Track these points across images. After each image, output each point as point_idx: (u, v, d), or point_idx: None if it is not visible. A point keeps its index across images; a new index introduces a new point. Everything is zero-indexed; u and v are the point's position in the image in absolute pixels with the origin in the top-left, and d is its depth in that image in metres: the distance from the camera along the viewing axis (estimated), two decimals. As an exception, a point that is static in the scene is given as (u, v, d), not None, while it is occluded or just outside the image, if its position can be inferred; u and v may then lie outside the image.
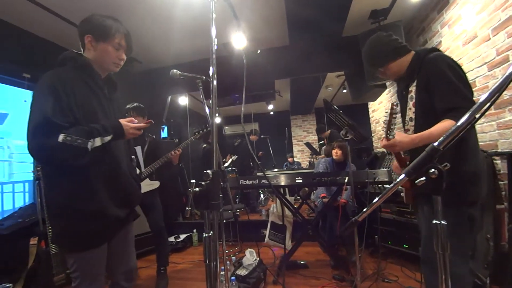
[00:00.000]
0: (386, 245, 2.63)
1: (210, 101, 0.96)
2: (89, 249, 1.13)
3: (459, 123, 0.62)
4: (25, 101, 2.93)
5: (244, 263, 2.30)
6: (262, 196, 5.58)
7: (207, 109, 1.39)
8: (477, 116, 0.62)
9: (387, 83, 3.70)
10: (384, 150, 3.70)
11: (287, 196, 3.24)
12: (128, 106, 2.36)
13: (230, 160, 4.69)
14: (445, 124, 1.08)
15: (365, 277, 2.26)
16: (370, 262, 2.64)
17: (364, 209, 0.80)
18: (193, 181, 0.92)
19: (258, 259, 2.38)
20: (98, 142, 1.07)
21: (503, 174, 1.92)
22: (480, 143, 1.27)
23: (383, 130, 1.14)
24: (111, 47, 1.19)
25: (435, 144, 0.64)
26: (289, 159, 6.49)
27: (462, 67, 1.22)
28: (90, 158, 1.06)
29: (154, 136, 2.61)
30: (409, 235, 2.44)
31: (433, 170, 0.63)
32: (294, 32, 3.31)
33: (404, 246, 2.48)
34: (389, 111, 1.10)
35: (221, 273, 1.80)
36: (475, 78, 2.22)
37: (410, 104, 1.30)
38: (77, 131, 1.03)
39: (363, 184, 2.29)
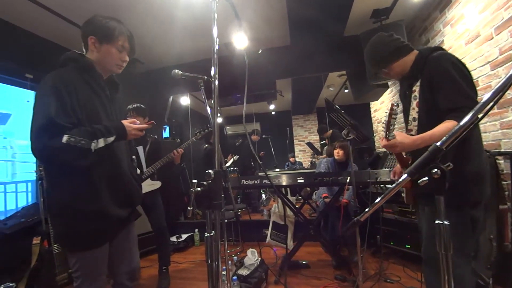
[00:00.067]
0: (388, 245, 2.62)
1: (212, 101, 0.96)
2: (90, 249, 1.14)
3: (462, 123, 0.62)
4: (28, 101, 2.94)
5: (246, 263, 2.31)
6: (263, 196, 5.58)
7: (208, 109, 1.39)
8: (480, 115, 0.62)
9: (389, 83, 3.69)
10: (386, 150, 3.69)
11: (289, 196, 3.24)
12: (129, 106, 2.37)
13: (232, 160, 4.70)
14: (447, 125, 1.06)
15: (367, 277, 2.26)
16: (372, 262, 2.63)
17: (366, 209, 0.80)
18: (194, 181, 0.92)
19: (259, 259, 2.38)
20: (101, 143, 1.08)
21: (506, 174, 1.91)
22: (483, 143, 1.26)
23: (382, 131, 1.13)
24: (114, 49, 1.20)
25: (438, 144, 0.63)
26: (291, 159, 6.49)
27: (465, 66, 1.21)
28: (92, 159, 1.06)
29: (155, 136, 2.62)
30: (411, 235, 2.43)
31: (435, 170, 0.63)
32: (296, 32, 3.30)
33: (406, 246, 2.47)
34: (388, 111, 1.09)
35: (223, 273, 1.80)
36: (478, 77, 2.21)
37: (414, 104, 1.28)
38: (80, 132, 1.03)
39: (365, 184, 2.29)
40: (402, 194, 1.39)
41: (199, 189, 0.89)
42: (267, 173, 2.19)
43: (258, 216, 4.43)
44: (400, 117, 1.14)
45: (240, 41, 3.19)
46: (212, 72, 0.98)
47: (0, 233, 2.29)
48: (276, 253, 2.92)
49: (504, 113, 1.97)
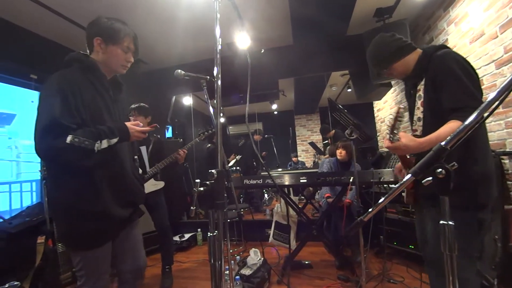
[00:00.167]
0: (392, 245, 2.61)
1: (214, 101, 0.96)
2: (93, 248, 1.15)
3: (466, 122, 0.61)
4: (32, 101, 2.98)
5: (249, 263, 2.31)
6: (266, 195, 5.58)
7: (211, 109, 1.39)
8: (485, 115, 0.61)
9: (393, 82, 3.67)
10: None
11: (291, 196, 3.24)
12: (131, 106, 2.38)
13: (234, 160, 4.70)
14: (452, 125, 1.04)
15: (370, 278, 2.25)
16: (375, 262, 2.62)
17: (370, 209, 0.79)
18: (197, 180, 0.92)
19: (262, 258, 2.38)
20: (104, 144, 1.09)
21: (511, 174, 1.89)
22: (489, 143, 1.24)
23: (386, 133, 1.11)
24: (120, 50, 1.22)
25: (442, 143, 0.63)
26: (294, 159, 6.48)
27: (469, 65, 1.19)
28: (96, 160, 1.07)
29: (158, 136, 2.63)
30: (414, 236, 2.39)
31: (440, 170, 0.62)
32: (298, 32, 3.30)
33: (410, 246, 2.46)
34: (394, 114, 1.06)
35: (226, 272, 1.80)
36: (483, 76, 2.18)
37: (418, 103, 1.27)
38: (84, 132, 1.04)
39: (368, 184, 2.28)
40: (403, 193, 1.38)
41: (202, 188, 0.89)
42: (270, 173, 2.18)
43: (261, 216, 4.43)
44: (403, 121, 1.12)
45: (243, 41, 3.19)
46: (215, 72, 0.98)
47: (5, 232, 2.31)
48: (278, 252, 2.92)
49: (509, 112, 1.95)
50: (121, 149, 1.24)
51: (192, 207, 1.08)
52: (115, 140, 1.12)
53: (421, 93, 1.25)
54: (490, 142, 2.09)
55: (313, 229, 2.44)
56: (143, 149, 2.38)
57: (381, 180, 2.16)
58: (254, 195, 5.01)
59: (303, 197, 4.73)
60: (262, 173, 3.13)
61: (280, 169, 5.64)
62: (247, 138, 5.30)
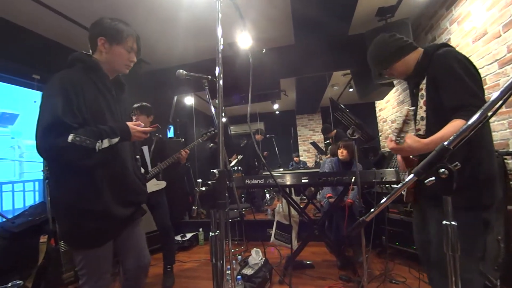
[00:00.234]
0: (394, 245, 2.60)
1: (216, 101, 0.96)
2: (94, 247, 1.16)
3: (470, 122, 0.61)
4: (35, 101, 2.98)
5: (250, 263, 2.31)
6: (267, 195, 5.58)
7: (213, 109, 1.39)
8: (488, 114, 0.60)
9: (395, 82, 3.65)
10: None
11: (293, 196, 3.23)
12: (134, 105, 2.39)
13: (236, 160, 4.71)
14: (456, 125, 1.03)
15: (372, 278, 2.24)
16: (377, 263, 2.61)
17: (372, 210, 0.79)
18: (199, 180, 0.92)
19: (264, 258, 2.38)
20: (105, 143, 1.09)
21: (515, 174, 1.88)
22: (493, 143, 1.23)
23: (393, 134, 1.08)
24: (124, 50, 1.23)
25: (445, 143, 0.62)
26: (295, 159, 6.47)
27: (471, 64, 1.18)
28: (97, 159, 1.08)
29: (160, 136, 2.64)
30: (417, 236, 2.40)
31: (443, 170, 0.62)
32: (300, 31, 3.29)
33: (412, 247, 2.44)
34: (403, 116, 1.03)
35: (227, 272, 1.80)
36: (486, 76, 2.17)
37: (421, 102, 1.26)
38: (86, 132, 1.05)
39: (370, 184, 2.27)
40: (403, 192, 1.37)
41: (203, 188, 0.90)
42: (272, 172, 2.18)
43: (262, 216, 4.43)
44: (411, 124, 1.10)
45: (244, 40, 3.19)
46: (217, 72, 0.98)
47: (8, 232, 2.33)
48: (280, 252, 2.92)
49: (513, 112, 1.94)
50: (122, 148, 1.24)
51: (193, 207, 1.08)
52: (116, 140, 1.13)
53: (423, 92, 1.25)
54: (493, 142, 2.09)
55: (314, 229, 2.43)
56: (145, 149, 2.39)
57: (383, 180, 2.15)
58: (256, 194, 5.02)
59: (304, 197, 4.72)
60: (263, 173, 3.13)
61: (281, 169, 5.64)
62: (249, 139, 5.30)
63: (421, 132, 1.26)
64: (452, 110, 1.08)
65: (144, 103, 2.42)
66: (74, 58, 1.21)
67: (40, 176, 2.61)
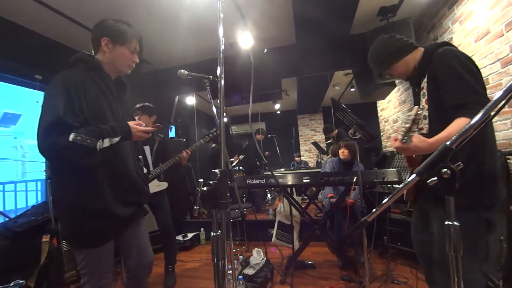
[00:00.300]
0: (395, 246, 2.59)
1: (217, 101, 0.96)
2: (95, 246, 1.16)
3: (473, 122, 0.60)
4: (37, 102, 3.00)
5: (251, 263, 2.31)
6: (269, 195, 5.58)
7: (214, 109, 1.39)
8: (491, 113, 0.60)
9: (397, 81, 3.64)
10: (393, 150, 3.65)
11: (294, 196, 3.23)
12: (136, 105, 2.39)
13: (237, 160, 4.71)
14: (460, 123, 1.02)
15: (374, 278, 2.24)
16: (379, 263, 2.61)
17: (374, 210, 0.79)
18: (201, 180, 0.92)
19: (265, 258, 2.38)
20: (106, 143, 1.10)
21: (517, 174, 1.86)
22: (496, 142, 1.23)
23: (400, 134, 1.06)
24: (127, 51, 1.25)
25: (448, 143, 0.62)
26: (297, 159, 6.47)
27: (474, 64, 1.18)
28: (97, 158, 1.08)
29: (162, 135, 2.64)
30: (419, 236, 2.39)
31: (445, 170, 0.62)
32: (301, 31, 3.28)
33: (414, 247, 2.43)
34: (412, 116, 1.01)
35: (229, 272, 1.80)
36: (488, 75, 2.16)
37: (423, 101, 1.26)
38: (87, 131, 1.05)
39: (372, 184, 2.26)
40: None
41: (205, 188, 0.90)
42: (273, 172, 2.18)
43: (264, 216, 4.43)
44: (419, 124, 1.09)
45: (246, 40, 3.19)
46: (218, 72, 0.98)
47: (11, 231, 2.34)
48: (281, 252, 2.91)
49: (516, 111, 1.93)
50: (123, 148, 1.25)
51: (195, 207, 1.08)
52: (116, 139, 1.13)
53: (425, 90, 1.25)
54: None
55: (316, 229, 2.43)
56: (147, 148, 2.39)
57: (385, 180, 2.15)
58: (256, 194, 5.02)
59: (306, 197, 4.71)
60: (265, 173, 3.13)
61: (283, 169, 5.63)
62: (251, 139, 5.30)
63: (424, 131, 1.25)
64: (455, 108, 1.07)
65: (146, 103, 2.42)
66: (76, 58, 1.22)
67: (43, 176, 2.61)
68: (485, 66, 2.18)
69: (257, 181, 2.43)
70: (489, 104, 0.59)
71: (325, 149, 6.30)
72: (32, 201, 6.17)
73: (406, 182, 0.70)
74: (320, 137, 7.38)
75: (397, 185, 2.27)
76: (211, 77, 1.50)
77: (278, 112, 7.41)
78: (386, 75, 1.39)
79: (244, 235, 3.43)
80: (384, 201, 0.76)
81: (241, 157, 4.86)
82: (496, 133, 2.07)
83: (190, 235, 3.57)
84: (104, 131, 1.10)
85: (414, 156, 1.29)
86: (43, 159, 2.59)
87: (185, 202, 4.29)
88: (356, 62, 3.65)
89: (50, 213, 2.45)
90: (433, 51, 1.21)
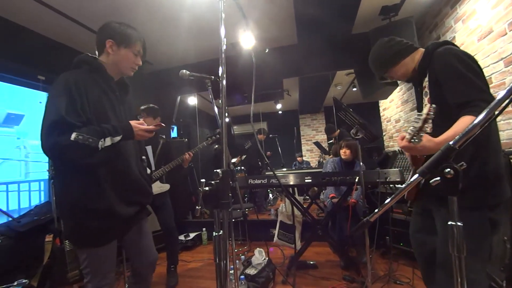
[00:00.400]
0: (398, 246, 2.58)
1: (219, 101, 0.96)
2: (98, 246, 1.17)
3: (476, 121, 0.60)
4: (40, 102, 3.01)
5: (253, 263, 2.31)
6: (271, 195, 5.57)
7: (216, 109, 1.40)
8: (495, 113, 0.60)
9: (399, 81, 3.62)
10: (396, 149, 3.63)
11: (296, 196, 3.23)
12: (141, 107, 2.40)
13: (240, 161, 4.71)
14: (466, 121, 1.01)
15: (376, 279, 2.23)
16: (381, 263, 2.60)
17: (376, 210, 0.79)
18: (203, 180, 0.92)
19: (267, 258, 2.38)
20: (108, 142, 1.11)
21: (521, 173, 1.85)
22: (500, 142, 1.22)
23: (410, 133, 1.00)
24: (131, 53, 1.27)
25: (451, 142, 0.62)
26: (298, 159, 6.47)
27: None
28: (99, 158, 1.09)
29: (164, 136, 2.65)
30: (421, 236, 2.38)
31: (448, 169, 0.61)
32: (303, 31, 3.28)
33: (417, 247, 2.42)
34: (424, 115, 0.95)
35: (231, 272, 1.80)
36: (491, 74, 2.15)
37: (425, 100, 1.25)
38: (89, 130, 1.07)
39: (374, 184, 2.26)
40: None
41: (207, 188, 0.90)
42: (275, 172, 2.18)
43: (266, 216, 4.42)
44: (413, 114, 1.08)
45: (247, 40, 3.19)
46: (220, 72, 0.98)
47: (14, 231, 2.36)
48: (283, 252, 2.91)
49: (519, 111, 1.92)
50: (125, 147, 1.25)
51: (197, 207, 1.08)
52: (118, 138, 1.14)
53: (426, 89, 1.24)
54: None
55: (318, 229, 2.42)
56: (149, 149, 2.40)
57: (387, 180, 2.14)
58: (258, 194, 5.01)
59: (308, 197, 4.71)
60: (267, 173, 3.13)
61: (284, 169, 5.63)
62: (253, 140, 5.30)
63: (428, 130, 1.24)
64: (459, 107, 1.06)
65: (151, 105, 2.43)
66: (79, 60, 1.24)
67: (46, 176, 2.64)
68: (488, 65, 2.17)
69: (259, 181, 2.43)
70: (493, 103, 0.59)
71: (327, 149, 6.29)
72: (35, 201, 6.22)
73: (408, 182, 0.70)
74: (322, 137, 7.38)
75: (399, 185, 2.26)
76: (213, 77, 1.50)
77: (280, 112, 7.41)
78: (387, 78, 1.39)
79: (246, 235, 3.43)
80: (387, 201, 0.75)
81: (243, 157, 4.86)
82: (499, 133, 2.06)
83: (192, 235, 3.57)
84: (106, 130, 1.11)
85: (418, 156, 1.28)
86: (46, 159, 2.60)
87: (187, 202, 4.30)
88: (358, 62, 3.64)
89: (53, 213, 2.46)
90: (433, 50, 1.21)
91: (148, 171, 2.17)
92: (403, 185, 0.72)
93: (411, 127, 0.98)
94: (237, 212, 3.13)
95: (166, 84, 4.28)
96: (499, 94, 0.58)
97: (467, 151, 1.01)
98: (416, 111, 1.36)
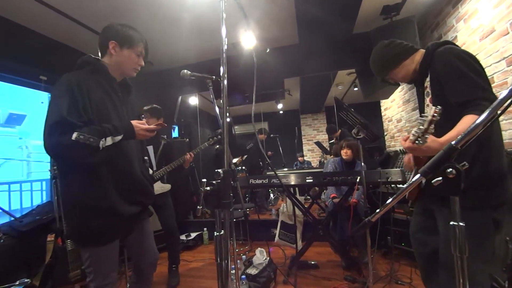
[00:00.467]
0: (399, 246, 2.58)
1: (220, 101, 0.96)
2: (100, 245, 1.18)
3: (478, 121, 0.60)
4: (42, 102, 3.03)
5: (254, 262, 2.31)
6: (272, 195, 5.57)
7: (217, 109, 1.40)
8: (498, 112, 0.59)
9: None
10: (397, 149, 3.62)
11: (297, 196, 3.22)
12: (144, 108, 2.41)
13: (241, 161, 4.71)
14: (468, 121, 1.00)
15: (378, 279, 2.22)
16: (382, 263, 2.59)
17: (377, 210, 0.78)
18: (204, 180, 0.92)
19: (268, 258, 2.38)
20: (109, 141, 1.12)
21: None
22: (503, 141, 1.21)
23: (415, 135, 0.98)
24: (134, 54, 1.29)
25: (453, 142, 0.61)
26: (300, 159, 6.46)
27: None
28: (100, 157, 1.10)
29: (166, 137, 2.65)
30: (423, 236, 2.37)
31: (450, 169, 0.61)
32: (304, 30, 3.27)
33: (418, 247, 2.42)
34: (430, 116, 0.93)
35: (232, 271, 1.80)
36: (493, 74, 2.14)
37: (427, 100, 1.25)
38: (90, 130, 1.08)
39: (375, 184, 2.25)
40: None
41: (208, 188, 0.90)
42: (276, 172, 2.18)
43: (267, 216, 4.42)
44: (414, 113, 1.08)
45: (248, 40, 3.19)
46: (221, 72, 0.98)
47: (16, 231, 2.36)
48: (284, 252, 2.91)
49: (522, 110, 1.91)
50: (127, 147, 1.26)
51: (198, 207, 1.08)
52: (119, 138, 1.15)
53: (428, 89, 1.24)
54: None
55: (319, 229, 2.42)
56: (150, 149, 2.40)
57: (388, 180, 2.14)
58: (259, 194, 5.02)
59: (309, 197, 4.71)
60: (268, 173, 3.13)
61: (286, 169, 5.63)
62: (254, 140, 5.30)
63: (432, 131, 1.23)
64: (461, 106, 1.05)
65: (154, 105, 2.43)
66: (82, 61, 1.26)
67: (47, 175, 2.64)
68: (490, 65, 2.16)
69: (260, 181, 2.43)
70: (495, 102, 0.59)
71: (328, 149, 6.29)
72: (37, 201, 6.24)
73: (410, 182, 0.69)
74: (323, 137, 7.37)
75: (401, 185, 2.26)
76: (214, 77, 1.50)
77: (281, 112, 7.40)
78: (388, 80, 1.40)
79: (247, 235, 3.43)
80: (388, 201, 0.75)
81: (245, 157, 4.86)
82: (502, 132, 2.05)
83: (193, 235, 3.58)
84: (107, 130, 1.12)
85: (421, 156, 1.28)
86: (48, 159, 2.62)
87: (188, 202, 4.31)
88: (359, 62, 3.63)
89: (55, 212, 2.47)
90: (434, 50, 1.20)
91: (150, 171, 2.18)
92: (405, 185, 0.72)
93: (416, 129, 0.97)
94: (238, 212, 3.14)
95: (167, 84, 4.28)
96: (502, 93, 0.58)
97: (470, 151, 1.00)
98: (417, 111, 1.36)
